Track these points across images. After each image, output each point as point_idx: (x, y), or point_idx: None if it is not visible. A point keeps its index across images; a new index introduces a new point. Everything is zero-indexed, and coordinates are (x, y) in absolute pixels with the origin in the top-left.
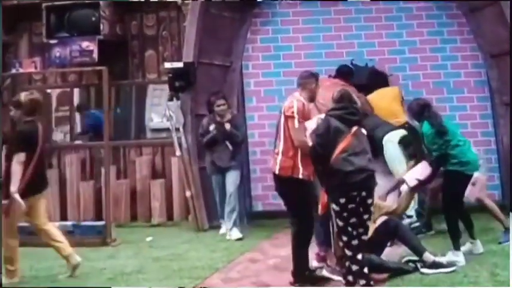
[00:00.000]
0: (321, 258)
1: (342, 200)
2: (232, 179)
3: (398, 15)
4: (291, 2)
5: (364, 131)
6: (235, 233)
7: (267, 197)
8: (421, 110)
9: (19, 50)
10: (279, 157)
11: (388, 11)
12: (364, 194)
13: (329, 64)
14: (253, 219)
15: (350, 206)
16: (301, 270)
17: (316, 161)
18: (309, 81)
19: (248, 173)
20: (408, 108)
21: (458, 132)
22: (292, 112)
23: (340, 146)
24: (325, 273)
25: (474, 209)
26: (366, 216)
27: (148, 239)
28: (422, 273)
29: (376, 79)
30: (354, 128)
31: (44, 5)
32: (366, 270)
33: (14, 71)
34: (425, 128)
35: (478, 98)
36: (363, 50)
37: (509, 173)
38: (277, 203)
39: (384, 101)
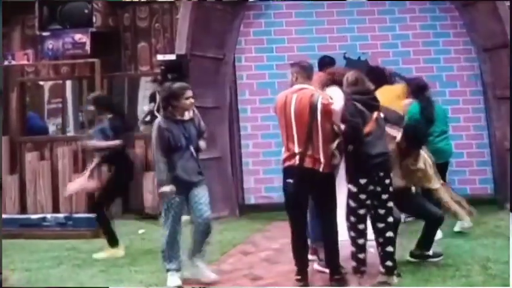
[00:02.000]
0: (313, 251)
1: (363, 181)
2: (204, 197)
3: (391, 9)
4: None
5: (382, 114)
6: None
7: (259, 190)
8: (417, 90)
9: (12, 42)
10: (322, 155)
11: (381, 4)
12: (381, 174)
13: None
14: (245, 212)
15: (370, 187)
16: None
17: (352, 143)
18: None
19: (240, 166)
20: (407, 83)
21: (442, 120)
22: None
23: (365, 130)
24: (317, 266)
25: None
26: (385, 197)
27: (141, 231)
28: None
29: (374, 78)
30: (375, 113)
31: None
32: (361, 256)
33: (6, 63)
34: (414, 108)
35: (470, 92)
36: (355, 44)
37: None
38: (270, 196)
39: (385, 99)
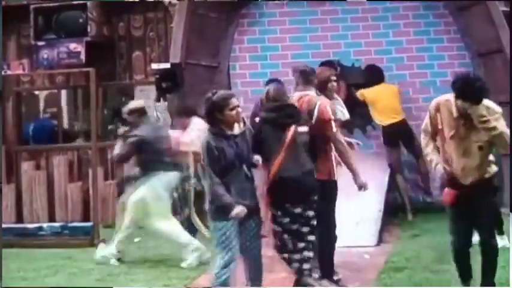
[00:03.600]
0: None
1: (287, 205)
2: (258, 227)
3: (385, 15)
4: (277, 2)
5: (302, 129)
6: None
7: None
8: None
9: (7, 52)
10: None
11: (374, 11)
12: (307, 192)
13: (316, 64)
14: None
15: (296, 210)
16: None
17: None
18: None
19: None
20: None
21: None
22: (330, 116)
23: (281, 156)
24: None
25: None
26: (311, 214)
27: (136, 239)
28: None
29: (372, 75)
30: (291, 132)
31: (31, 6)
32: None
33: (1, 73)
34: None
35: None
36: (349, 50)
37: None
38: None
39: (384, 97)
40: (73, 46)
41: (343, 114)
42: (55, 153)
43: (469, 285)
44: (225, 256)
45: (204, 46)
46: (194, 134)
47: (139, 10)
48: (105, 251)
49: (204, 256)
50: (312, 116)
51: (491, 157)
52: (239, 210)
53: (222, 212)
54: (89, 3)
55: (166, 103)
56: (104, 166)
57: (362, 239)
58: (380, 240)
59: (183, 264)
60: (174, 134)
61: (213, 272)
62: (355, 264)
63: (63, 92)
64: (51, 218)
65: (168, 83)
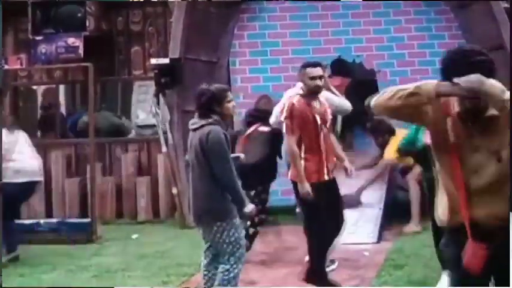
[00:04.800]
0: None
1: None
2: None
3: (386, 11)
4: None
5: (263, 128)
6: None
7: None
8: None
9: (4, 47)
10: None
11: (375, 7)
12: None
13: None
14: None
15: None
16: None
17: None
18: (299, 73)
19: None
20: None
21: None
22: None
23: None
24: None
25: None
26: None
27: (134, 236)
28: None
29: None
30: (250, 128)
31: (30, 1)
32: None
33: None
34: None
35: None
36: (350, 46)
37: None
38: None
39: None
40: (71, 41)
41: (333, 100)
42: (52, 148)
43: None
44: (237, 252)
45: (203, 41)
46: None
47: (138, 5)
48: None
49: None
50: None
51: None
52: (253, 207)
53: (236, 208)
54: None
55: (165, 98)
56: (102, 162)
57: (362, 236)
58: (380, 238)
59: None
60: None
61: (221, 270)
62: (354, 262)
63: (61, 87)
64: (49, 214)
65: (167, 78)
